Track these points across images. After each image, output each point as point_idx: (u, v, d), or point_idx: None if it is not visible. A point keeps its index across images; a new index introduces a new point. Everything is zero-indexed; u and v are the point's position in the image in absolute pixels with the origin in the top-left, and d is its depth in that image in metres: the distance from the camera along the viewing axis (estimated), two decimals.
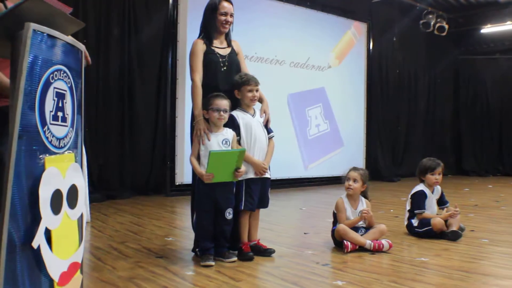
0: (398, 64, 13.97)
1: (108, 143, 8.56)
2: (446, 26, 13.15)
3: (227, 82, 4.53)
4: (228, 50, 4.68)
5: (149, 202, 8.21)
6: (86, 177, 5.99)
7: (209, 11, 4.63)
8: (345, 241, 4.67)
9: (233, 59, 4.66)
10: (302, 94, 11.16)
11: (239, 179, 4.38)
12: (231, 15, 4.62)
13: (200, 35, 4.66)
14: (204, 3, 4.74)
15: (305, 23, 11.18)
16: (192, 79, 4.46)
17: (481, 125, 15.16)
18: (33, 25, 2.26)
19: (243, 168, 4.29)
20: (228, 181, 4.30)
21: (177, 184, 8.94)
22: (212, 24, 4.60)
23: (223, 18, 4.57)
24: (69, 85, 2.58)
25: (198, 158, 4.30)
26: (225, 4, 4.58)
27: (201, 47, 4.54)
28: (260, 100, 4.68)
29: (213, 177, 4.13)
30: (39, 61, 2.31)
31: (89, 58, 3.09)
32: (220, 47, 4.64)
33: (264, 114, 4.65)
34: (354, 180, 4.93)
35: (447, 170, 13.04)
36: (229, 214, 4.33)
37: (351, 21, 12.37)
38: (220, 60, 4.56)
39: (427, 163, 5.64)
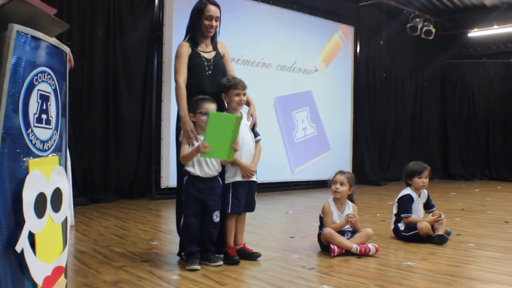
0: (385, 67, 14.02)
1: (93, 146, 8.52)
2: (433, 30, 13.23)
3: (213, 86, 4.52)
4: (214, 53, 4.67)
5: (134, 205, 8.19)
6: (71, 180, 5.99)
7: (194, 14, 4.62)
8: (331, 245, 4.68)
9: (218, 63, 4.65)
10: (289, 98, 11.18)
11: (226, 182, 4.40)
12: (217, 19, 4.60)
13: (186, 37, 4.66)
14: (191, 5, 4.73)
15: (292, 26, 11.20)
16: (176, 81, 4.45)
17: (468, 129, 15.22)
18: (17, 27, 2.25)
19: (241, 138, 4.33)
20: (216, 185, 4.31)
21: (162, 187, 8.91)
22: (197, 28, 4.60)
23: (207, 22, 4.56)
24: (53, 87, 2.57)
25: None
26: (211, 7, 4.56)
27: (186, 49, 4.53)
28: (248, 104, 4.69)
29: (209, 150, 4.07)
30: (23, 63, 2.31)
31: (72, 62, 3.09)
32: (205, 51, 4.64)
33: (251, 118, 4.65)
34: (341, 184, 4.95)
35: (434, 174, 13.12)
36: (216, 217, 4.33)
37: (338, 24, 12.40)
38: (206, 64, 4.55)
39: (414, 166, 5.67)
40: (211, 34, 4.66)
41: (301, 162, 11.36)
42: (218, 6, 4.62)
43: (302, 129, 11.45)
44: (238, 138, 4.31)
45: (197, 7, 4.61)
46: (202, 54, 4.59)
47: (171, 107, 8.73)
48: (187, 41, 4.61)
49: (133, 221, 6.69)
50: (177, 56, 4.53)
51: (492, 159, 14.89)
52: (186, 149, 4.26)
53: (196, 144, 4.20)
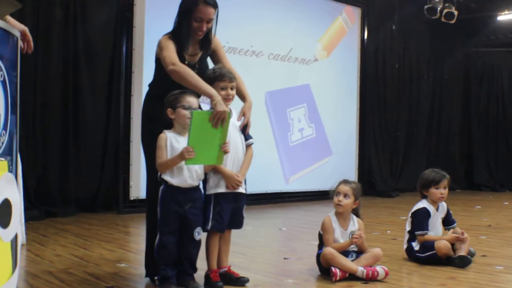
0: (397, 57, 14.09)
1: (48, 150, 8.51)
2: (456, 12, 13.22)
3: (196, 94, 4.46)
4: (198, 56, 4.66)
5: (98, 220, 8.18)
6: (22, 190, 5.97)
7: (183, 11, 4.54)
8: (332, 268, 4.69)
9: (203, 64, 4.65)
10: (283, 92, 11.20)
11: (207, 193, 4.39)
12: (209, 21, 4.52)
13: (171, 34, 4.55)
14: None
15: (287, 8, 11.23)
16: (172, 64, 4.29)
17: (496, 130, 15.29)
18: None
19: (228, 140, 4.28)
20: (198, 196, 4.31)
21: (131, 199, 8.91)
22: (185, 28, 4.51)
23: (196, 24, 4.48)
24: (1, 79, 2.57)
25: None
26: (203, 8, 4.44)
27: (172, 44, 4.44)
28: (243, 99, 4.69)
29: (194, 155, 4.06)
30: None
31: (31, 44, 3.08)
32: (191, 54, 4.61)
33: (243, 117, 4.61)
34: (345, 195, 4.95)
35: (456, 184, 13.23)
36: (198, 234, 4.31)
37: (342, 5, 12.43)
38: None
39: (430, 175, 5.65)
40: (199, 37, 4.59)
41: (297, 170, 11.39)
42: (213, 6, 4.52)
43: (299, 130, 11.48)
44: (228, 138, 4.31)
45: (187, 3, 4.53)
46: (187, 58, 4.55)
47: (142, 103, 8.68)
48: (172, 39, 4.48)
49: (96, 239, 6.68)
50: (163, 46, 4.44)
51: None
52: (163, 154, 4.21)
53: (175, 147, 4.19)
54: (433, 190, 5.59)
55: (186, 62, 4.49)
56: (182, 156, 4.07)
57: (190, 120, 4.04)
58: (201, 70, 4.56)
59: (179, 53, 4.47)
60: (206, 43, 4.70)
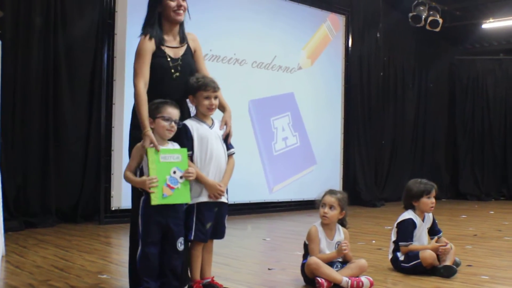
0: (382, 65, 14.17)
1: (28, 159, 8.47)
2: (440, 20, 13.33)
3: (177, 93, 4.48)
4: (182, 50, 4.62)
5: (79, 231, 8.15)
6: (0, 200, 5.96)
7: None
8: (318, 278, 4.71)
9: (187, 62, 4.60)
10: (267, 101, 11.23)
11: (190, 202, 4.39)
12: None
13: (144, 31, 4.52)
14: None
15: (271, 15, 11.26)
16: (135, 85, 4.36)
17: (481, 139, 15.36)
18: None
19: (191, 169, 4.29)
20: (180, 206, 4.29)
21: (113, 209, 8.87)
22: (160, 14, 4.52)
23: (173, 3, 4.46)
24: None
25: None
26: None
27: (150, 46, 4.43)
28: (222, 108, 4.68)
29: (157, 182, 4.10)
30: None
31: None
32: (172, 46, 4.57)
33: (225, 126, 4.62)
34: (330, 207, 4.96)
35: (441, 193, 13.31)
36: (181, 244, 4.30)
37: (327, 13, 12.49)
38: (171, 64, 4.49)
39: (420, 186, 5.65)
40: (181, 18, 4.55)
41: (281, 179, 11.40)
42: None
43: (283, 139, 11.50)
44: (211, 148, 4.41)
45: None
46: (168, 52, 4.52)
47: (124, 112, 8.71)
48: (149, 35, 4.48)
49: (77, 250, 6.66)
50: (138, 54, 4.43)
51: (511, 175, 15.04)
52: (133, 165, 4.25)
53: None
54: (425, 200, 5.59)
55: (168, 59, 4.49)
56: (144, 186, 4.12)
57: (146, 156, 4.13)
58: (183, 68, 4.54)
59: (159, 49, 4.47)
60: (183, 30, 4.68)
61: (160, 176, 4.10)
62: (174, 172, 4.17)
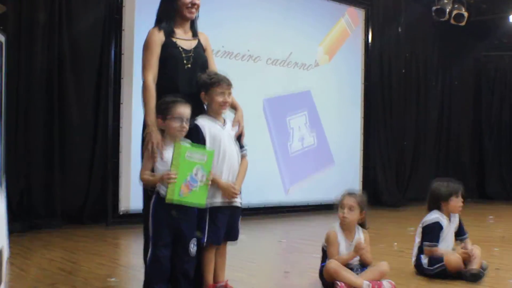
0: (404, 61, 14.13)
1: (32, 160, 8.51)
2: (466, 14, 13.29)
3: (190, 84, 4.54)
4: (194, 43, 4.70)
5: (86, 233, 8.21)
6: (5, 202, 5.98)
7: None
8: (338, 282, 4.71)
9: (199, 55, 4.67)
10: (282, 99, 11.24)
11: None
12: None
13: (157, 23, 4.65)
14: None
15: (286, 10, 11.28)
16: (143, 79, 4.45)
17: (509, 139, 15.33)
18: None
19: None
20: (191, 208, 4.30)
21: (121, 212, 8.90)
22: (173, 9, 4.60)
23: (188, 0, 4.57)
24: None
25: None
26: None
27: (159, 38, 4.52)
28: (234, 108, 4.72)
29: (176, 180, 4.12)
30: None
31: None
32: (184, 39, 4.65)
33: (237, 126, 4.66)
34: (350, 208, 4.98)
35: (467, 194, 13.10)
36: (193, 246, 4.32)
37: (345, 6, 12.48)
38: (184, 55, 4.56)
39: (449, 186, 5.68)
40: (193, 15, 4.67)
41: (297, 180, 11.40)
42: None
43: (299, 139, 11.50)
44: (224, 148, 4.45)
45: None
46: (179, 43, 4.59)
47: (133, 111, 8.75)
48: (159, 27, 4.59)
49: (84, 252, 6.70)
50: (146, 47, 4.53)
51: None
52: (148, 166, 4.28)
53: (166, 158, 4.24)
54: (454, 200, 5.62)
55: (181, 49, 4.56)
56: (161, 180, 4.15)
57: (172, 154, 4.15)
58: (195, 60, 4.62)
59: (169, 39, 4.55)
60: (195, 27, 4.78)
61: (181, 173, 4.12)
62: (196, 173, 4.19)
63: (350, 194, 5.07)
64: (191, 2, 4.57)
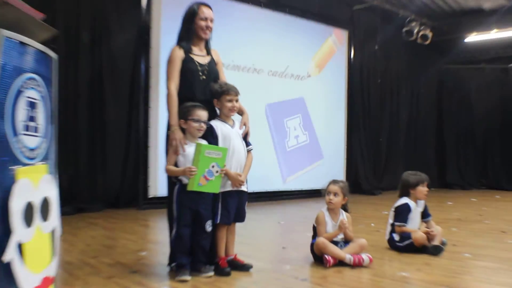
0: (380, 73, 14.13)
1: (78, 154, 8.56)
2: (430, 34, 13.33)
3: (204, 92, 4.57)
4: (208, 58, 4.72)
5: (122, 215, 8.21)
6: (57, 189, 6.00)
7: (188, 17, 4.66)
8: (326, 256, 4.72)
9: (212, 69, 4.70)
10: (281, 104, 11.24)
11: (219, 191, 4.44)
12: (211, 21, 4.66)
13: (178, 42, 4.69)
14: (179, 8, 4.78)
15: (284, 30, 11.26)
16: (167, 88, 4.49)
17: (465, 136, 15.34)
18: (5, 32, 2.28)
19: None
20: (207, 194, 4.33)
21: (150, 197, 8.93)
22: (191, 31, 4.64)
23: (203, 23, 4.61)
24: (41, 94, 2.61)
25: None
26: (205, 9, 4.63)
27: (179, 54, 4.56)
28: (241, 112, 4.75)
29: (196, 173, 4.16)
30: (10, 69, 2.33)
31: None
32: (199, 55, 4.68)
33: (244, 127, 4.71)
34: (335, 194, 4.99)
35: (431, 183, 13.14)
36: (209, 226, 4.36)
37: (332, 28, 12.47)
38: (199, 68, 4.59)
39: (416, 176, 5.70)
40: (207, 36, 4.70)
41: (293, 171, 11.42)
42: (211, 8, 4.69)
43: (295, 137, 11.51)
44: (233, 145, 4.51)
45: (190, 9, 4.66)
46: (196, 58, 4.63)
47: (159, 114, 8.77)
48: (179, 45, 4.64)
49: (120, 231, 6.71)
50: (169, 61, 4.57)
51: (490, 167, 15.03)
52: (172, 160, 4.33)
53: (187, 152, 4.27)
54: (420, 188, 5.65)
55: (197, 64, 4.60)
56: (185, 173, 4.20)
57: (194, 151, 4.20)
58: (209, 72, 4.66)
59: (188, 56, 4.59)
60: (209, 45, 4.81)
61: (200, 168, 4.17)
62: (213, 166, 4.24)
63: (335, 182, 5.07)
64: (205, 25, 4.62)
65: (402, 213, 5.61)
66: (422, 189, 5.66)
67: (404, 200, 5.69)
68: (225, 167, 4.34)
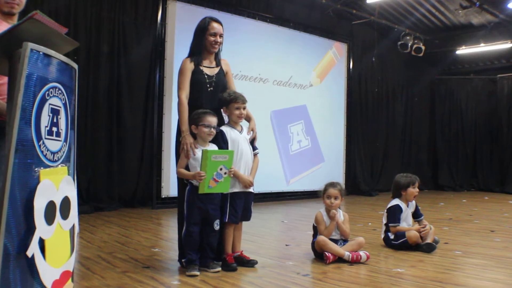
0: (377, 83, 14.10)
1: (97, 157, 8.57)
2: (423, 47, 13.31)
3: (211, 103, 4.57)
4: (216, 70, 4.71)
5: (136, 214, 8.21)
6: (75, 189, 6.01)
7: (199, 32, 4.66)
8: (326, 253, 4.71)
9: (220, 80, 4.69)
10: (285, 111, 11.22)
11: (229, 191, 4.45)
12: (221, 36, 4.66)
13: (189, 54, 4.69)
14: (191, 22, 4.80)
15: (288, 43, 11.27)
16: (178, 97, 4.49)
17: (456, 142, 15.29)
18: (31, 45, 2.30)
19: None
20: (216, 194, 4.35)
21: (163, 197, 8.93)
22: (202, 44, 4.64)
23: (212, 38, 4.60)
24: (63, 102, 2.62)
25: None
26: (215, 25, 4.62)
27: (189, 66, 4.56)
28: (248, 119, 4.76)
29: (205, 177, 4.19)
30: (36, 79, 2.35)
31: None
32: (208, 67, 4.67)
33: (251, 132, 4.72)
34: (335, 198, 4.98)
35: (424, 185, 13.22)
36: (217, 225, 4.37)
37: (332, 41, 12.47)
38: (207, 80, 4.58)
39: (406, 178, 5.69)
40: (216, 50, 4.70)
41: (296, 173, 11.39)
42: (221, 24, 4.68)
43: (297, 141, 11.49)
44: (241, 149, 4.53)
45: (201, 24, 4.66)
46: (205, 70, 4.62)
47: (172, 120, 8.78)
48: (190, 58, 4.64)
49: (135, 228, 6.72)
50: (180, 72, 4.58)
51: (480, 171, 14.95)
52: (183, 163, 4.34)
53: (197, 155, 4.27)
54: (411, 189, 5.64)
55: (205, 76, 4.59)
56: (195, 177, 4.23)
57: (201, 157, 4.22)
58: (216, 84, 4.65)
59: (197, 68, 4.59)
60: (219, 57, 4.80)
61: (209, 172, 4.20)
62: (221, 169, 4.26)
63: (334, 185, 5.03)
64: (214, 40, 4.61)
65: (395, 214, 5.60)
66: (413, 190, 5.65)
67: (395, 201, 5.69)
68: (232, 168, 4.35)
